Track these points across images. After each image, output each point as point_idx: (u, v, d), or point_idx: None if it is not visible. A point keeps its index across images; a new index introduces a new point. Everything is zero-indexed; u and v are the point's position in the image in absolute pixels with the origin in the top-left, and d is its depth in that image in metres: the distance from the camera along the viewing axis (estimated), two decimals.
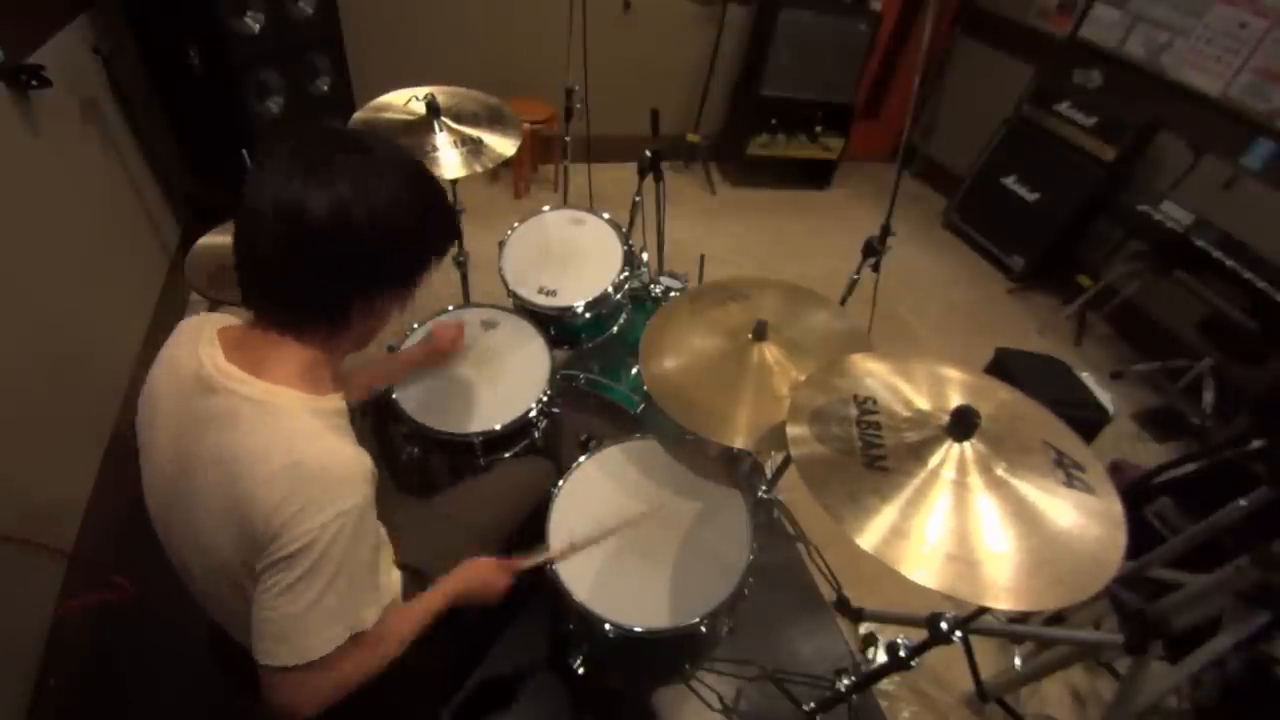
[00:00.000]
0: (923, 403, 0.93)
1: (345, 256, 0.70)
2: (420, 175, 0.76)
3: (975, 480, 0.81)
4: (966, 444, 0.84)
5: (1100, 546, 0.76)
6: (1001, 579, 0.72)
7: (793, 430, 0.90)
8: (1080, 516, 0.79)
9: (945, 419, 0.86)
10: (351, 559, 0.69)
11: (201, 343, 0.74)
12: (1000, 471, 0.82)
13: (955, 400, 0.90)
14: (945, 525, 0.77)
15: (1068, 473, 0.84)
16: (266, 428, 0.68)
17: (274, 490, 0.65)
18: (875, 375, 0.99)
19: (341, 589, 0.69)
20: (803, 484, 0.81)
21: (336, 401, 0.75)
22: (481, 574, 1.00)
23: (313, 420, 0.70)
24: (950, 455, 0.84)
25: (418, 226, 0.75)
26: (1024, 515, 0.78)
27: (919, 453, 0.84)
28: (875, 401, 0.94)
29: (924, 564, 0.73)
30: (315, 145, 0.70)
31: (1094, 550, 0.76)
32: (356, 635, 0.72)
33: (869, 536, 0.75)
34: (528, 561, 1.10)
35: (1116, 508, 0.80)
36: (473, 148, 1.52)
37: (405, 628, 0.84)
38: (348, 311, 0.74)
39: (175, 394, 0.74)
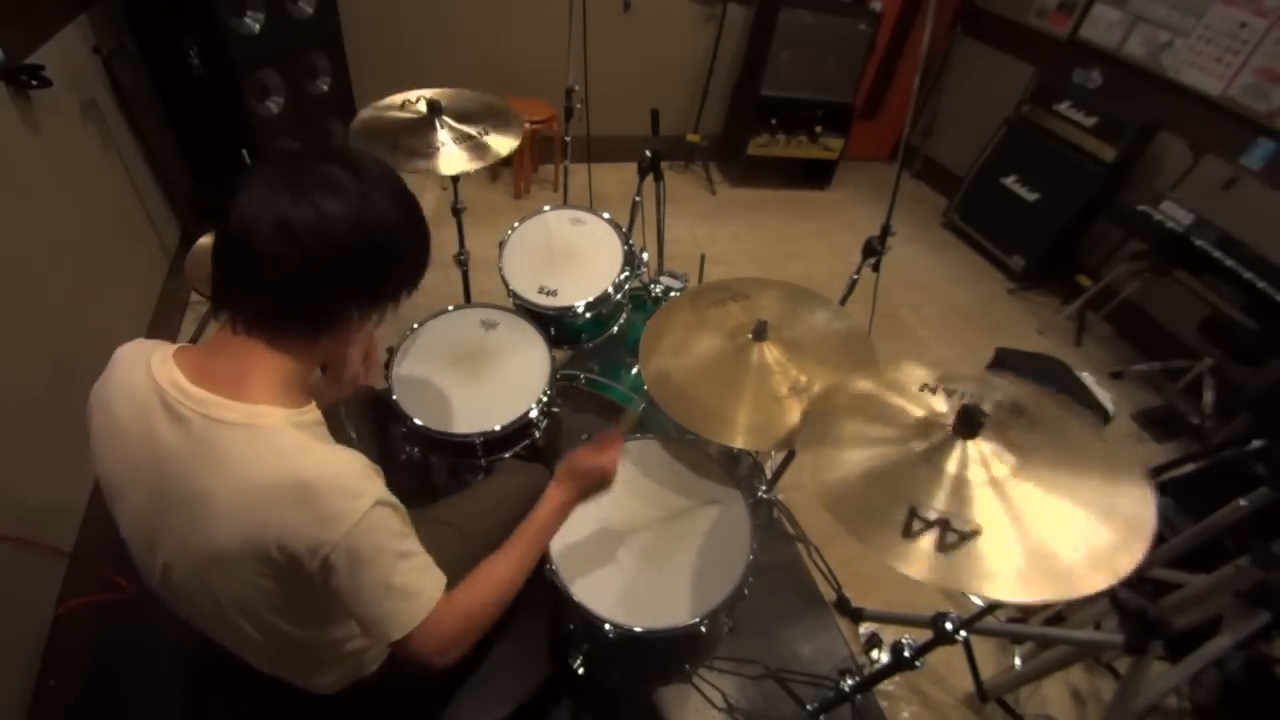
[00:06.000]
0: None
1: (358, 270, 0.70)
2: (406, 190, 0.77)
3: (980, 474, 0.83)
4: (971, 444, 0.85)
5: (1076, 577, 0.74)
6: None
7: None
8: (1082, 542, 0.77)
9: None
10: (395, 539, 0.71)
11: (155, 365, 0.71)
12: (1007, 469, 0.84)
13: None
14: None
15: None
16: (257, 455, 0.67)
17: (293, 516, 0.65)
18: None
19: (411, 551, 0.73)
20: (802, 484, 0.81)
21: (314, 412, 0.74)
22: (585, 469, 0.99)
23: (298, 434, 0.69)
24: (962, 454, 0.86)
25: (417, 241, 0.77)
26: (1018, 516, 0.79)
27: (930, 458, 0.86)
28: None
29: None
30: (309, 162, 0.70)
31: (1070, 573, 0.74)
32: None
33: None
34: (620, 428, 1.09)
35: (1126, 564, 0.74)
36: (473, 145, 1.52)
37: (512, 554, 0.86)
38: (334, 321, 0.74)
39: (142, 428, 0.70)
